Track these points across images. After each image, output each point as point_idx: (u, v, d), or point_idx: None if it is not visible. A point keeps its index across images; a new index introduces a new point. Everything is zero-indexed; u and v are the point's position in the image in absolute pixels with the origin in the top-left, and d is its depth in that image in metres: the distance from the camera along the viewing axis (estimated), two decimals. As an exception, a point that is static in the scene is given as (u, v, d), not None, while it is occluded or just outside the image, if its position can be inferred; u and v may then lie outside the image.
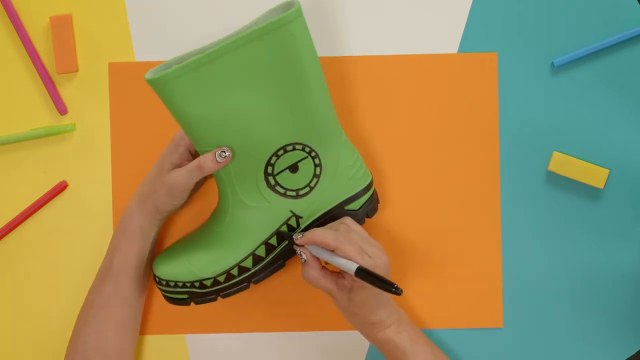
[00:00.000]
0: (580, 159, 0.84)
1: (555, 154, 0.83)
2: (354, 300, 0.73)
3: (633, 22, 0.84)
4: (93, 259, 0.84)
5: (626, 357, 0.84)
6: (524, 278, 0.84)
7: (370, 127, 0.84)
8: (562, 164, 0.83)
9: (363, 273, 0.68)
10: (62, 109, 0.84)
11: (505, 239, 0.84)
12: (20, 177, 0.84)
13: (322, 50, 0.84)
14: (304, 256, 0.74)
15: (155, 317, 0.84)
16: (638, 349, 0.84)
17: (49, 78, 0.84)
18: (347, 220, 0.76)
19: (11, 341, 0.84)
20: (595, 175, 0.83)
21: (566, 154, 0.84)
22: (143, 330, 0.84)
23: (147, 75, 0.69)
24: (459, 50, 0.84)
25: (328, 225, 0.76)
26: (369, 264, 0.71)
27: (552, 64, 0.84)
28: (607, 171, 0.83)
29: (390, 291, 0.66)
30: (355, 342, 0.84)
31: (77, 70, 0.84)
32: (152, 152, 0.84)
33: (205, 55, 0.68)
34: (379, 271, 0.72)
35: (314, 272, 0.74)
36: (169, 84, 0.68)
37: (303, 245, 0.75)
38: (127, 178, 0.84)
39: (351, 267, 0.70)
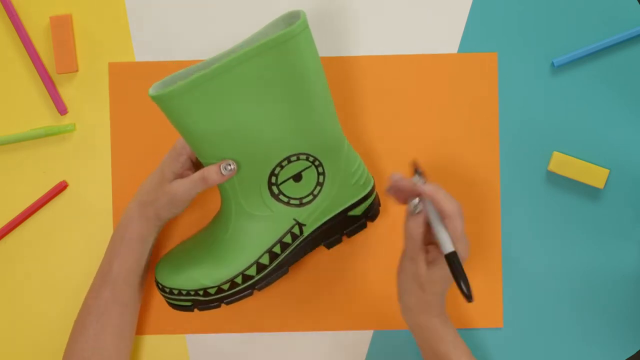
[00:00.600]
0: (580, 159, 0.84)
1: (555, 154, 0.83)
2: (432, 274, 0.71)
3: (633, 22, 0.84)
4: (93, 259, 0.84)
5: (626, 357, 0.84)
6: (524, 278, 0.84)
7: (370, 127, 0.84)
8: (562, 164, 0.83)
9: (454, 259, 0.67)
10: (62, 109, 0.84)
11: (505, 239, 0.84)
12: (20, 177, 0.84)
13: (322, 50, 0.84)
14: (420, 207, 0.71)
15: (155, 317, 0.84)
16: (638, 349, 0.84)
17: (49, 78, 0.84)
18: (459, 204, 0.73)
19: (11, 341, 0.84)
20: (595, 175, 0.83)
21: (566, 154, 0.84)
22: (143, 330, 0.84)
23: (151, 92, 0.68)
24: (459, 50, 0.84)
25: (449, 196, 0.71)
26: (462, 255, 0.70)
27: (552, 64, 0.84)
28: (607, 171, 0.83)
29: (462, 290, 0.66)
30: (355, 342, 0.84)
31: (77, 70, 0.84)
32: (152, 152, 0.84)
33: (211, 71, 0.67)
34: (466, 257, 0.71)
35: (421, 227, 0.71)
36: (173, 101, 0.67)
37: (421, 196, 0.71)
38: (127, 178, 0.84)
39: (448, 245, 0.68)
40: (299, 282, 0.84)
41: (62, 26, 0.83)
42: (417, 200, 0.71)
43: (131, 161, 0.84)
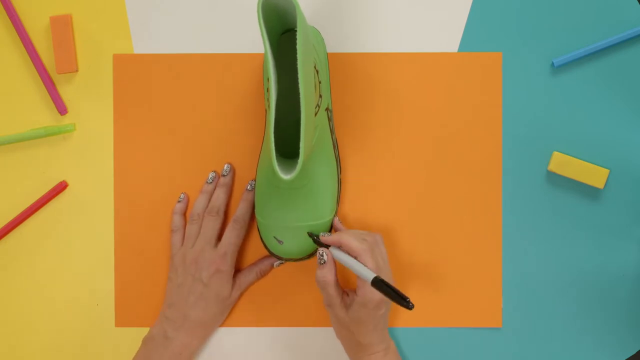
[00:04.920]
0: (580, 159, 0.84)
1: (555, 154, 0.83)
2: (352, 316, 0.74)
3: (633, 22, 0.84)
4: (93, 259, 0.84)
5: (626, 357, 0.84)
6: (523, 278, 0.84)
7: (372, 125, 0.84)
8: (562, 164, 0.83)
9: (380, 283, 0.68)
10: (62, 109, 0.84)
11: (505, 239, 0.84)
12: (20, 177, 0.84)
13: (322, 50, 0.85)
14: (325, 257, 0.75)
15: (155, 311, 0.84)
16: (638, 349, 0.84)
17: (49, 78, 0.84)
18: (378, 237, 0.77)
19: (11, 341, 0.84)
20: (595, 175, 0.83)
21: (566, 154, 0.84)
22: (143, 324, 0.84)
23: None
24: (459, 49, 0.84)
25: (358, 233, 0.76)
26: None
27: (552, 64, 0.84)
28: (607, 171, 0.83)
29: (403, 304, 0.66)
30: (355, 342, 0.84)
31: (77, 70, 0.84)
32: (155, 150, 0.84)
33: None
34: (383, 296, 0.72)
35: (330, 275, 0.75)
36: None
37: (327, 247, 0.75)
38: (129, 176, 0.84)
39: (369, 275, 0.70)
40: (299, 278, 0.84)
41: (62, 26, 0.84)
42: (321, 250, 0.75)
43: (134, 159, 0.84)
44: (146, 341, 0.80)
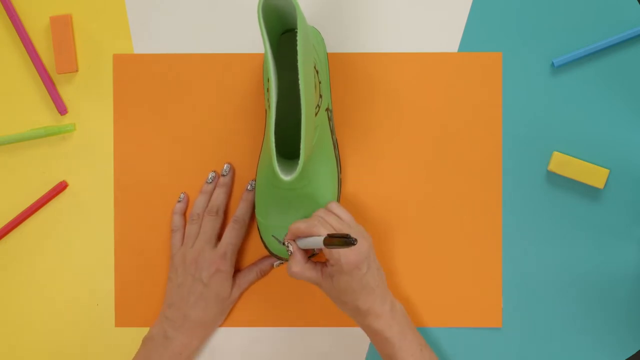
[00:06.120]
0: (580, 159, 0.84)
1: (555, 154, 0.83)
2: (337, 287, 0.73)
3: (633, 22, 0.84)
4: (93, 259, 0.84)
5: (626, 357, 0.84)
6: (523, 278, 0.84)
7: (372, 125, 0.84)
8: (562, 164, 0.83)
9: (327, 239, 0.67)
10: (62, 109, 0.84)
11: (505, 239, 0.84)
12: (20, 177, 0.84)
13: (322, 50, 0.85)
14: (290, 248, 0.74)
15: (155, 311, 0.84)
16: (638, 349, 0.84)
17: (49, 78, 0.84)
18: (331, 205, 0.77)
19: (11, 341, 0.84)
20: (595, 175, 0.83)
21: (566, 154, 0.84)
22: (144, 324, 0.84)
23: None
24: (459, 50, 0.84)
25: (302, 219, 0.75)
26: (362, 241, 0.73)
27: (552, 64, 0.84)
28: (607, 171, 0.83)
29: (348, 243, 0.65)
30: (356, 338, 0.84)
31: (77, 70, 0.84)
32: (155, 150, 0.84)
33: None
34: (358, 255, 0.72)
35: (296, 266, 0.74)
36: None
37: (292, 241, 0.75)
38: (128, 177, 0.84)
39: (319, 241, 0.68)
40: (298, 282, 0.84)
41: (62, 26, 0.83)
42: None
43: (134, 159, 0.84)
44: (146, 341, 0.80)
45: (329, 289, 0.75)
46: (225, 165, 0.83)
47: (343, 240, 0.65)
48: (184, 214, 0.84)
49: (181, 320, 0.79)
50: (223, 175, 0.83)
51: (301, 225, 0.72)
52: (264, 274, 0.83)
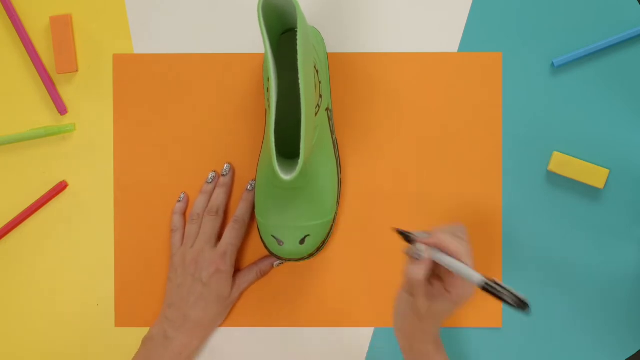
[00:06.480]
0: (580, 159, 0.84)
1: (555, 154, 0.83)
2: (433, 308, 0.70)
3: (633, 22, 0.84)
4: (93, 259, 0.84)
5: (626, 357, 0.84)
6: (523, 278, 0.84)
7: (372, 125, 0.84)
8: (562, 164, 0.83)
9: (491, 286, 0.64)
10: (62, 109, 0.84)
11: (505, 239, 0.84)
12: (20, 177, 0.84)
13: (322, 50, 0.85)
14: (422, 254, 0.69)
15: (155, 311, 0.84)
16: (638, 349, 0.84)
17: (49, 78, 0.84)
18: (462, 229, 0.73)
19: (11, 341, 0.84)
20: (595, 175, 0.83)
21: (566, 154, 0.84)
22: (143, 324, 0.84)
23: None
24: (459, 50, 0.84)
25: (449, 229, 0.72)
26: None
27: (552, 64, 0.84)
28: (607, 171, 0.83)
29: (521, 308, 0.61)
30: (356, 339, 0.84)
31: (77, 70, 0.84)
32: (155, 150, 0.84)
33: None
34: (472, 291, 0.69)
35: (422, 273, 0.68)
36: None
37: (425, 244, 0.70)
38: (128, 177, 0.84)
39: (477, 278, 0.65)
40: (300, 278, 0.84)
41: (62, 26, 0.83)
42: (422, 246, 0.69)
43: (134, 159, 0.84)
44: (146, 341, 0.80)
45: (420, 306, 0.70)
46: (225, 165, 0.83)
47: (516, 299, 0.61)
48: (184, 214, 0.84)
49: (181, 320, 0.79)
50: (223, 175, 0.83)
51: (451, 245, 0.68)
52: (264, 274, 0.83)
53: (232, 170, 0.84)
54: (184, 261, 0.80)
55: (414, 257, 0.69)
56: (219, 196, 0.82)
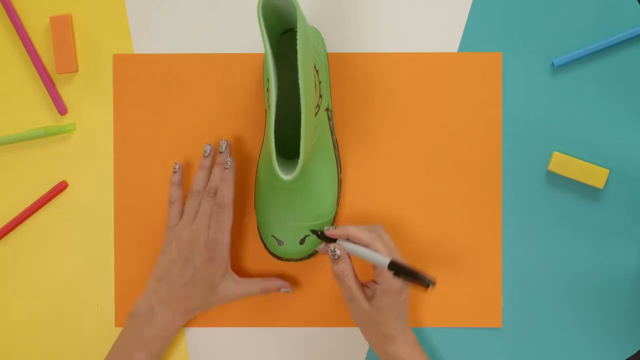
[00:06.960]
0: (580, 159, 0.84)
1: (555, 154, 0.83)
2: (376, 306, 0.73)
3: (633, 22, 0.84)
4: (93, 259, 0.84)
5: (626, 357, 0.84)
6: (523, 278, 0.84)
7: (372, 125, 0.84)
8: (562, 164, 0.83)
9: (396, 265, 0.69)
10: (62, 109, 0.84)
11: (505, 239, 0.84)
12: (20, 177, 0.84)
13: (322, 50, 0.85)
14: (337, 252, 0.74)
15: (155, 317, 0.84)
16: (638, 349, 0.84)
17: (49, 78, 0.84)
18: (379, 227, 0.77)
19: (11, 341, 0.84)
20: (595, 175, 0.83)
21: (566, 154, 0.84)
22: (143, 330, 0.84)
23: None
24: (459, 50, 0.84)
25: (366, 227, 0.76)
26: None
27: (552, 64, 0.84)
28: (607, 171, 0.83)
29: (424, 283, 0.66)
30: (356, 338, 0.84)
31: (77, 70, 0.84)
32: (155, 150, 0.84)
33: None
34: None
35: (347, 267, 0.74)
36: None
37: (334, 241, 0.75)
38: (128, 177, 0.84)
39: (384, 260, 0.70)
40: (299, 278, 0.84)
41: (62, 26, 0.84)
42: (332, 246, 0.75)
43: (134, 159, 0.84)
44: (132, 317, 0.79)
45: (363, 308, 0.74)
46: (222, 142, 0.81)
47: (417, 275, 0.67)
48: (181, 185, 0.83)
49: (169, 297, 0.79)
50: (220, 152, 0.81)
51: (363, 235, 0.73)
52: (266, 292, 0.82)
53: (229, 146, 0.82)
54: (181, 238, 0.79)
55: (333, 258, 0.74)
56: (216, 175, 0.81)
